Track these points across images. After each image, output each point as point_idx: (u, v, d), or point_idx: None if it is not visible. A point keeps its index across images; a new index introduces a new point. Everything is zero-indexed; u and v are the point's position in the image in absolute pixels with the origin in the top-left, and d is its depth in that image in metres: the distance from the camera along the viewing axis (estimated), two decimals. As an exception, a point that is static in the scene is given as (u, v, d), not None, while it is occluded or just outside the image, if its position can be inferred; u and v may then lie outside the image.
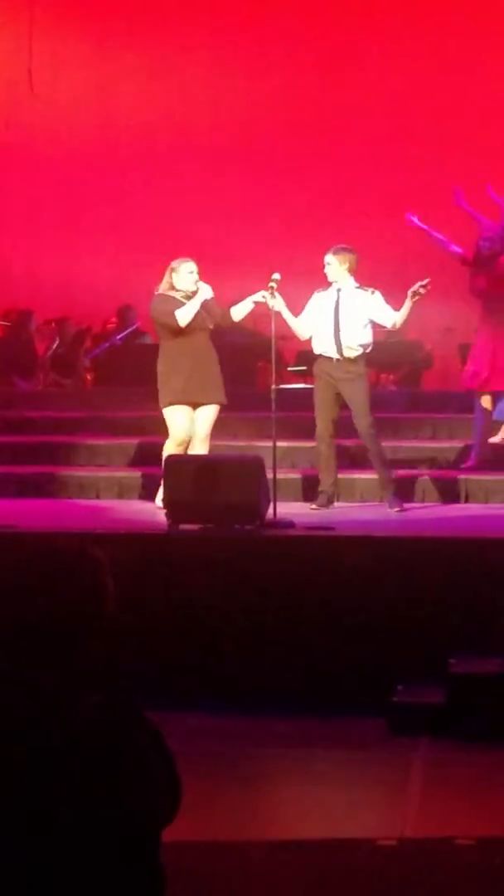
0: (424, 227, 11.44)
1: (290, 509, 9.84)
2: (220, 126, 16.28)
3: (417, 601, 8.53)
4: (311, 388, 10.48)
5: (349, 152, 15.78)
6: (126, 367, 12.93)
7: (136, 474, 11.37)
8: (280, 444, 10.05)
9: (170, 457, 9.77)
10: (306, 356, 12.97)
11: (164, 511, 9.35)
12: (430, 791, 7.10)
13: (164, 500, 9.44)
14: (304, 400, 10.58)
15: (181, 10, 16.34)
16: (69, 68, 16.49)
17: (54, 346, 14.45)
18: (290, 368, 13.66)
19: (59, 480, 11.47)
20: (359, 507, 10.51)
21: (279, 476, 9.85)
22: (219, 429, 10.41)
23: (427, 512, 10.24)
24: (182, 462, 9.65)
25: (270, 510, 9.43)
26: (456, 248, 11.36)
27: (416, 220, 11.48)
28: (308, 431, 10.45)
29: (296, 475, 10.93)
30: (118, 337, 14.20)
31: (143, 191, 15.41)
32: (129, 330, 13.62)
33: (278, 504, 9.57)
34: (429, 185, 14.32)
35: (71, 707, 2.72)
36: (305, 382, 11.71)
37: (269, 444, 9.93)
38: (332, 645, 8.46)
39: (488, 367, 11.18)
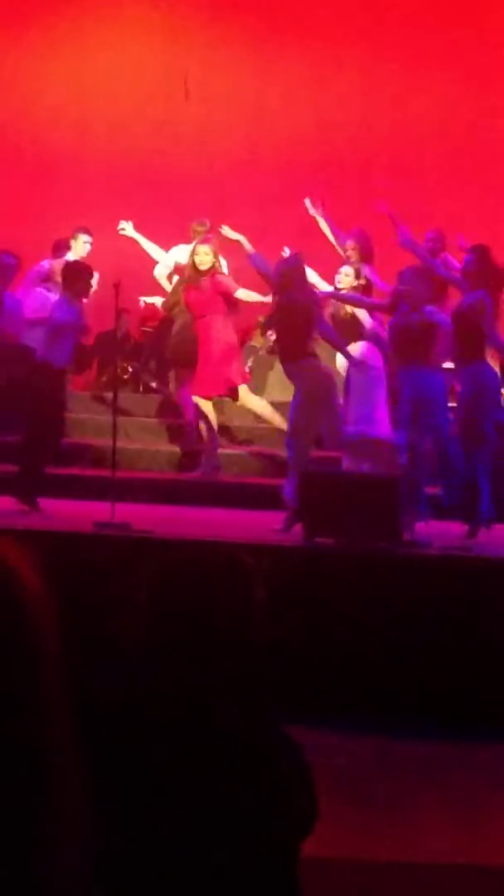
0: (138, 237, 11.72)
1: (429, 528, 9.74)
2: (368, 138, 16.25)
3: None
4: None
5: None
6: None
7: (267, 483, 11.36)
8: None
9: (308, 471, 9.77)
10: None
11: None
12: None
13: (299, 511, 9.42)
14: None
15: (335, 23, 16.32)
16: (224, 77, 16.58)
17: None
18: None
19: (195, 488, 11.52)
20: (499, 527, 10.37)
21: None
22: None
23: None
24: (320, 476, 9.64)
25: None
26: (167, 259, 11.63)
27: (130, 229, 11.73)
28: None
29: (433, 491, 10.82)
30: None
31: (288, 201, 15.38)
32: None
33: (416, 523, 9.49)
34: None
35: (210, 717, 2.70)
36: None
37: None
38: (472, 668, 8.36)
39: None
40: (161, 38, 16.69)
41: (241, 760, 2.68)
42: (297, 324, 10.07)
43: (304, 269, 10.45)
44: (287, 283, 10.19)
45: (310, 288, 10.62)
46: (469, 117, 16.10)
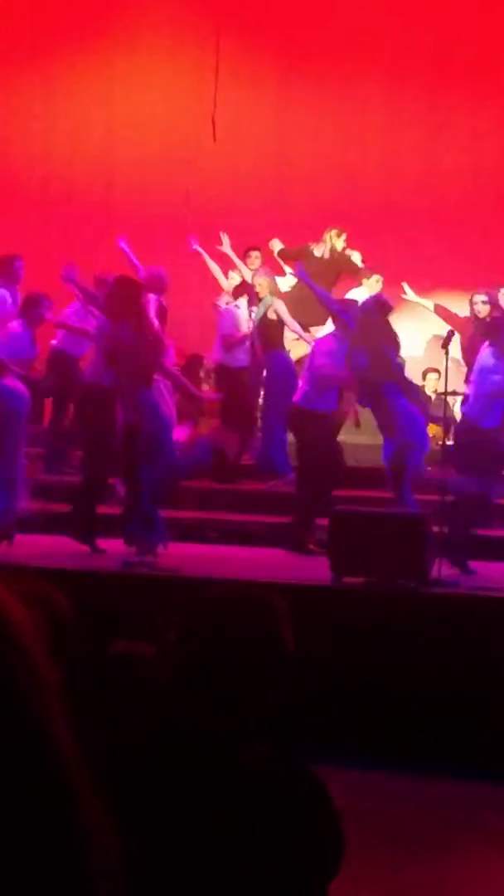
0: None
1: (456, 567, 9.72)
2: (397, 178, 16.28)
3: None
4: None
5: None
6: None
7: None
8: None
9: (337, 510, 9.75)
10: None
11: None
12: None
13: (328, 551, 9.40)
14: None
15: (361, 64, 16.38)
16: (252, 118, 16.65)
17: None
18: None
19: (220, 527, 11.51)
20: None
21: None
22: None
23: None
24: (349, 515, 9.62)
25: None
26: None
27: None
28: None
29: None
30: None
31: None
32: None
33: (444, 562, 9.46)
34: None
35: (237, 758, 2.69)
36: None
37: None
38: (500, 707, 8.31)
39: None
40: (189, 80, 16.79)
41: (267, 802, 2.67)
42: None
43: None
44: None
45: None
46: (497, 159, 16.13)
